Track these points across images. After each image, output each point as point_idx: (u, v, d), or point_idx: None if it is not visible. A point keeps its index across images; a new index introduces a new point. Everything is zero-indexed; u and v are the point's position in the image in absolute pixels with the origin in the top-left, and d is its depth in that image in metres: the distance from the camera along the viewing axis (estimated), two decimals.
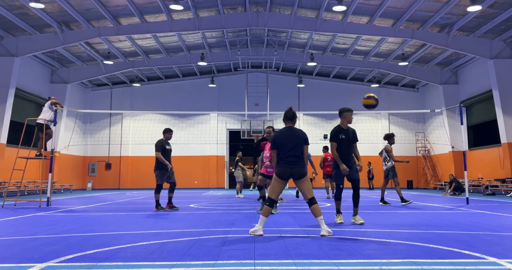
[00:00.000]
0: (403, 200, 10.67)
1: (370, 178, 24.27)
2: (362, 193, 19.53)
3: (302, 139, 5.51)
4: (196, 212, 8.94)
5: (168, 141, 9.52)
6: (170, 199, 9.47)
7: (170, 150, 9.45)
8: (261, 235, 5.21)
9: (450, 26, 17.60)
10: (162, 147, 9.22)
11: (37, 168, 20.02)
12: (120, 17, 17.53)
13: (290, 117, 5.67)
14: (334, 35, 19.86)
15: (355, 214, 6.66)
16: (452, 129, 22.58)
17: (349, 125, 6.71)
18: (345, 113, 6.67)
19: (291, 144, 5.44)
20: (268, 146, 8.66)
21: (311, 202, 5.30)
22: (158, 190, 9.31)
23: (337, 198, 6.83)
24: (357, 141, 6.71)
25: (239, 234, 5.38)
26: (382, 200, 11.03)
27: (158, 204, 9.30)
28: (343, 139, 6.58)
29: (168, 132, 9.48)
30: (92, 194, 19.39)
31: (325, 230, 5.18)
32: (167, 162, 9.08)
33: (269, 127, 8.72)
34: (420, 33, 18.23)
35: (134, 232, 5.60)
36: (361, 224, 6.36)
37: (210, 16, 18.45)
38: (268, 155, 8.57)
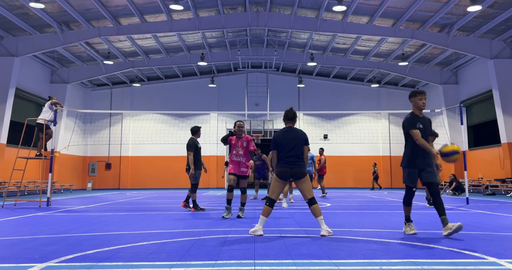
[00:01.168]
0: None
1: (375, 178, 24.12)
2: (364, 192, 19.53)
3: (302, 139, 5.50)
4: (196, 212, 8.93)
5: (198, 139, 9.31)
6: (188, 198, 9.30)
7: (200, 148, 9.24)
8: (261, 235, 5.21)
9: (450, 26, 17.60)
10: (196, 146, 8.96)
11: (37, 168, 20.02)
12: (120, 17, 17.53)
13: (290, 117, 5.67)
14: (334, 35, 19.85)
15: (445, 223, 5.10)
16: (452, 129, 22.57)
17: (424, 113, 5.40)
18: (412, 99, 5.40)
19: (291, 144, 5.43)
20: (240, 142, 7.56)
21: (311, 202, 5.30)
22: (194, 189, 9.04)
23: (407, 203, 5.52)
24: (433, 134, 5.39)
25: (239, 234, 5.38)
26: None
27: (195, 204, 9.07)
28: (421, 129, 5.24)
29: (199, 130, 9.26)
30: (92, 194, 19.39)
31: (325, 230, 5.18)
32: (193, 166, 8.80)
33: (239, 121, 7.64)
34: (420, 33, 18.23)
35: (134, 232, 5.60)
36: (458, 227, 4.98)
37: (210, 16, 18.45)
38: (241, 153, 7.49)
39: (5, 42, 17.73)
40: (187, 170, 8.95)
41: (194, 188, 9.02)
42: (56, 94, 19.98)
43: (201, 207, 9.32)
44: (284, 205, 10.24)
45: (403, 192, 20.07)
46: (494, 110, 18.89)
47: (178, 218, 7.62)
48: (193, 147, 8.90)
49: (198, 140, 9.23)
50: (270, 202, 5.37)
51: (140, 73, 25.33)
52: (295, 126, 5.73)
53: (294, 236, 5.16)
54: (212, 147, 26.00)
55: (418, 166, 5.32)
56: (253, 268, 3.42)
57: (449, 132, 22.43)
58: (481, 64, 20.16)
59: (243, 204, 7.64)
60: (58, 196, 17.49)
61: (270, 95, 25.03)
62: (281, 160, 5.43)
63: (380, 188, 23.98)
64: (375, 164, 24.26)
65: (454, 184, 16.67)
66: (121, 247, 4.40)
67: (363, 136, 25.22)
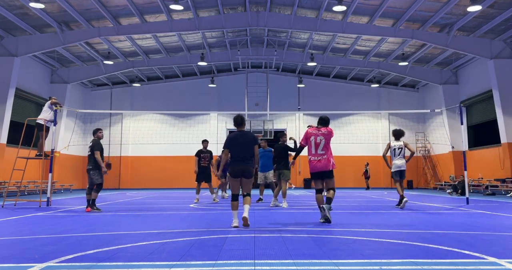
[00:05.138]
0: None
1: (367, 177, 24.24)
2: (364, 192, 19.53)
3: (252, 140, 6.30)
4: (196, 212, 8.94)
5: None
6: (94, 200, 9.26)
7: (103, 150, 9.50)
8: (237, 227, 5.97)
9: (450, 26, 17.59)
10: (101, 146, 9.28)
11: (37, 168, 20.01)
12: (120, 17, 17.53)
13: (239, 123, 6.40)
14: (334, 35, 19.85)
15: None
16: (452, 130, 22.56)
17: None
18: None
19: (243, 145, 6.25)
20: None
21: (247, 194, 6.25)
22: (99, 189, 9.19)
23: None
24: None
25: (239, 234, 5.38)
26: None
27: (94, 204, 9.18)
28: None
29: (99, 131, 9.52)
30: None
31: (246, 214, 6.04)
32: (103, 164, 9.05)
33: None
34: (420, 33, 18.22)
35: (134, 232, 5.61)
36: None
37: (210, 16, 18.45)
38: None
39: (5, 42, 17.73)
40: (89, 170, 9.07)
41: (99, 188, 9.17)
42: (56, 94, 19.95)
43: (97, 207, 9.28)
44: (284, 205, 10.23)
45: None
46: (494, 110, 18.89)
47: (178, 218, 7.62)
48: (99, 147, 9.19)
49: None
50: (235, 197, 6.27)
51: (140, 73, 25.32)
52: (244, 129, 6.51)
53: (294, 236, 5.16)
54: (212, 147, 25.94)
55: None
56: (253, 268, 3.42)
57: (449, 133, 22.44)
58: (481, 64, 20.15)
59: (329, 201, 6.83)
60: (58, 196, 17.49)
61: (270, 95, 25.02)
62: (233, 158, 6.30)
63: (368, 188, 24.05)
64: (367, 164, 24.39)
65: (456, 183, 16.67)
66: (121, 247, 4.40)
67: (363, 136, 25.19)
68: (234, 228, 5.92)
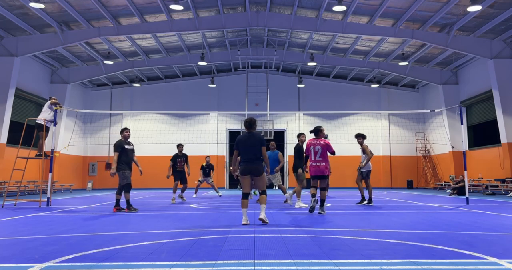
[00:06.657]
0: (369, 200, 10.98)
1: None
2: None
3: (257, 141, 6.57)
4: (196, 212, 8.93)
5: (129, 140, 9.38)
6: (128, 201, 9.22)
7: (131, 150, 9.28)
8: (246, 224, 6.27)
9: (450, 26, 17.60)
10: (122, 146, 9.07)
11: (37, 168, 20.02)
12: (120, 17, 17.53)
13: (248, 126, 6.72)
14: (334, 35, 19.85)
15: None
16: (452, 129, 22.56)
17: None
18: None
19: (251, 146, 6.55)
20: None
21: (263, 193, 6.63)
22: (121, 191, 9.14)
23: None
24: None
25: (239, 234, 5.38)
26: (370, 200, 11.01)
27: (118, 204, 9.15)
28: None
29: (125, 131, 9.32)
30: (92, 194, 19.38)
31: (263, 215, 6.35)
32: (114, 165, 8.86)
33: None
34: (420, 33, 18.22)
35: (134, 232, 5.60)
36: None
37: (210, 16, 18.45)
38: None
39: (5, 42, 17.72)
40: (117, 170, 8.98)
41: (128, 187, 9.08)
42: (56, 94, 19.98)
43: (134, 207, 9.24)
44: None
45: (403, 192, 20.09)
46: (494, 110, 18.88)
47: (178, 218, 7.62)
48: (119, 148, 9.02)
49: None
50: (245, 196, 6.55)
51: (140, 73, 25.32)
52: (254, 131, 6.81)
53: (294, 236, 5.16)
54: (212, 147, 26.02)
55: None
56: (253, 268, 3.42)
57: (449, 132, 22.44)
58: (481, 64, 20.15)
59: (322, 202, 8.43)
60: (58, 196, 17.49)
61: (270, 95, 25.03)
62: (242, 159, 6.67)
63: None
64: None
65: (460, 184, 16.64)
66: (121, 247, 4.40)
67: None
68: (244, 225, 6.21)
